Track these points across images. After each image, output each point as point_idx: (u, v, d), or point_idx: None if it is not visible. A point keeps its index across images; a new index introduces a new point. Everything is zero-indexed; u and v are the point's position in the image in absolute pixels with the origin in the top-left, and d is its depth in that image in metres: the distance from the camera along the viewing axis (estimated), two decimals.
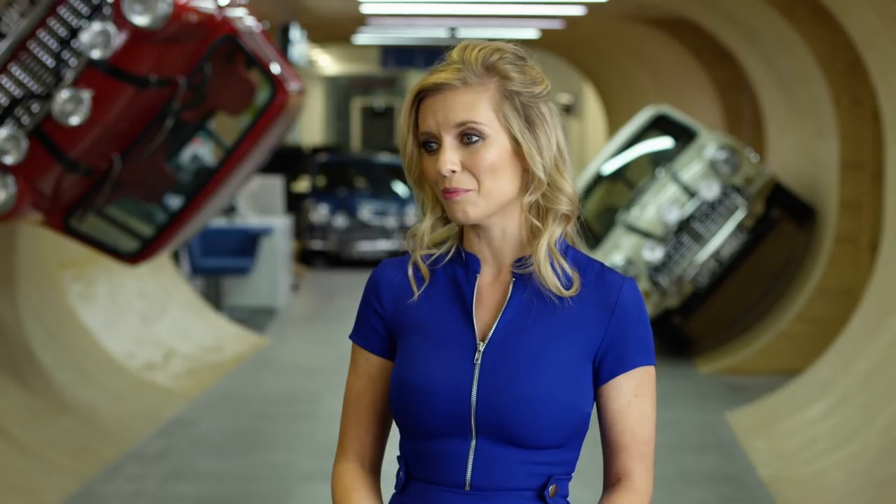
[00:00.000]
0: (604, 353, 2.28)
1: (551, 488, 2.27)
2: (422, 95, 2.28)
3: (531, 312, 2.28)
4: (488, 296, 2.31)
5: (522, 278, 2.29)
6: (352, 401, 2.37)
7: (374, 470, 2.38)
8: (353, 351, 2.39)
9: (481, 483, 2.25)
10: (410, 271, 2.33)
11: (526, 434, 2.23)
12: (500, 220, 2.29)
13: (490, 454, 2.25)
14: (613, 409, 2.29)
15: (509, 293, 2.29)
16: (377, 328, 2.35)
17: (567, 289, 2.28)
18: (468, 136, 2.25)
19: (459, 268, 2.32)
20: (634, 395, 2.29)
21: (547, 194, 2.28)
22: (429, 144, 2.27)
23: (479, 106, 2.25)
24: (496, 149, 2.25)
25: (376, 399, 2.36)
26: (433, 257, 2.33)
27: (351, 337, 2.39)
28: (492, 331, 2.27)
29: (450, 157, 2.24)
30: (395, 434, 2.39)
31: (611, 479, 2.33)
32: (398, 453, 2.35)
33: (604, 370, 2.28)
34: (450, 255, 2.33)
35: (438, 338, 2.29)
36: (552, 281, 2.27)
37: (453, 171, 2.24)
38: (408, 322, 2.32)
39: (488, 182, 2.25)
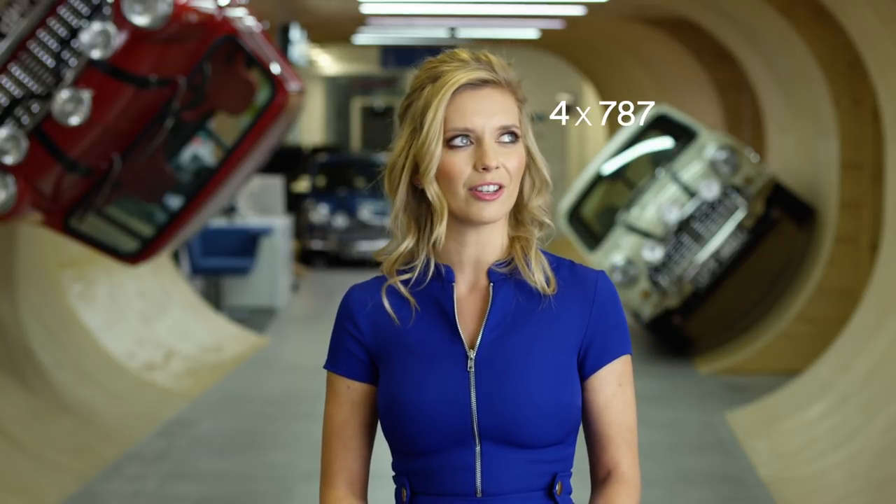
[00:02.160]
0: (587, 346, 2.31)
1: (558, 486, 2.30)
2: (454, 91, 2.27)
3: (515, 314, 2.30)
4: (469, 303, 2.32)
5: (500, 281, 2.32)
6: (335, 429, 2.35)
7: (363, 496, 2.37)
8: (332, 381, 2.36)
9: (492, 489, 2.27)
10: (386, 302, 2.32)
11: (528, 434, 2.25)
12: (491, 225, 2.31)
13: (496, 459, 2.26)
14: (600, 401, 2.32)
15: (491, 298, 2.30)
16: (357, 354, 2.34)
17: (547, 287, 2.31)
18: (507, 136, 2.28)
19: (434, 281, 2.32)
20: (618, 385, 2.33)
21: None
22: (459, 140, 2.27)
23: (515, 109, 2.31)
24: (522, 153, 2.31)
25: (361, 425, 2.35)
26: (411, 281, 2.32)
27: (327, 367, 2.37)
28: (479, 337, 2.28)
29: (496, 152, 2.26)
30: (377, 454, 2.39)
31: (600, 473, 2.35)
32: (392, 473, 2.35)
33: (588, 363, 2.32)
34: (430, 275, 2.32)
35: (427, 354, 2.29)
36: (540, 280, 2.30)
37: (497, 167, 2.26)
38: (391, 344, 2.31)
39: (514, 184, 2.29)
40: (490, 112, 2.27)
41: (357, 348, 2.34)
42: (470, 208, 2.27)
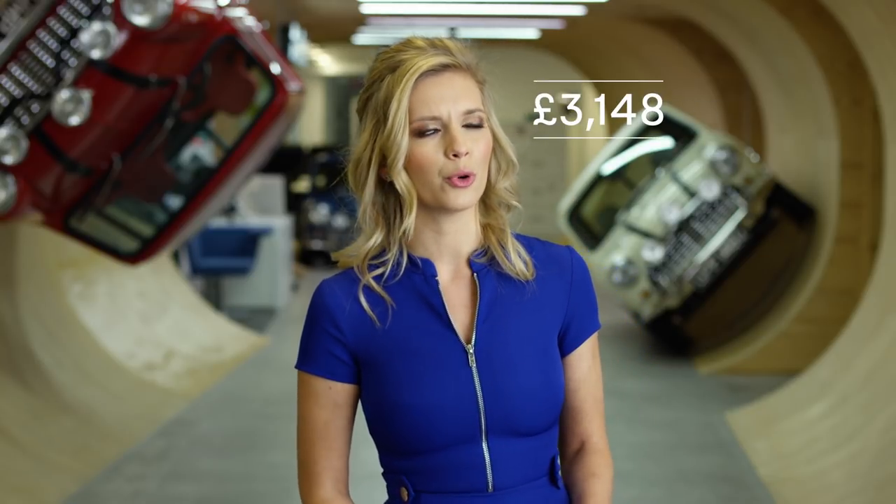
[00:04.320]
0: (567, 325, 2.32)
1: (559, 471, 2.31)
2: (416, 79, 2.24)
3: (502, 302, 2.28)
4: (454, 295, 2.28)
5: (483, 270, 2.29)
6: (317, 430, 2.29)
7: (348, 494, 2.34)
8: (309, 381, 2.30)
9: (503, 482, 2.25)
10: (364, 303, 2.26)
11: (531, 422, 2.25)
12: (465, 211, 2.28)
13: (504, 451, 2.25)
14: (577, 376, 2.34)
15: (478, 289, 2.28)
16: (339, 356, 2.28)
17: (526, 272, 2.30)
18: (474, 121, 2.25)
19: (415, 275, 2.28)
20: (592, 358, 2.35)
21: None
22: (425, 130, 2.23)
23: (477, 91, 2.27)
24: (489, 137, 2.28)
25: (343, 425, 2.31)
26: (384, 277, 2.27)
27: (304, 368, 2.30)
28: (474, 331, 2.26)
29: (465, 138, 2.23)
30: (356, 451, 2.37)
31: (573, 445, 2.36)
32: (382, 470, 2.32)
33: (567, 341, 2.33)
34: (402, 268, 2.28)
35: (422, 352, 2.25)
36: (521, 269, 2.29)
37: (467, 153, 2.23)
38: (379, 346, 2.26)
39: (482, 169, 2.26)
40: (454, 97, 2.23)
41: (339, 349, 2.28)
42: (445, 196, 2.23)
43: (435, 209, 2.26)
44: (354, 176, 2.29)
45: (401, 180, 2.24)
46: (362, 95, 2.29)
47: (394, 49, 2.27)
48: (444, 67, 2.24)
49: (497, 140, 2.29)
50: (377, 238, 2.28)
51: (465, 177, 2.23)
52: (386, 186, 2.27)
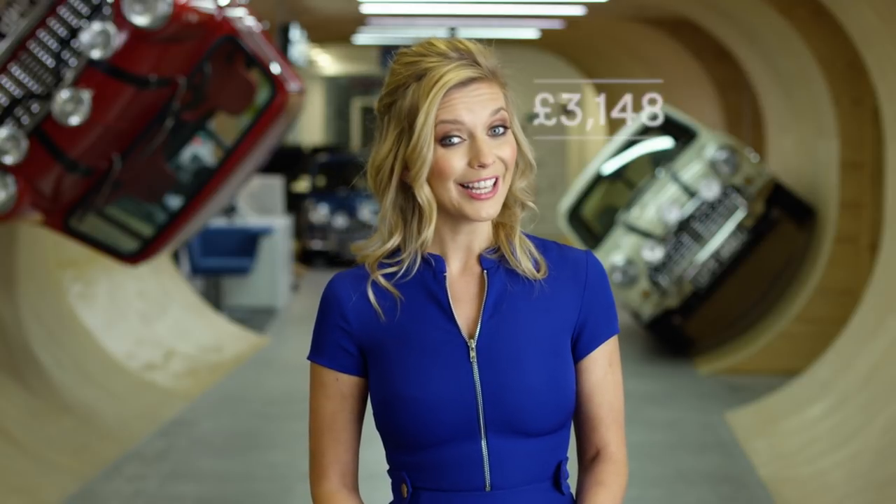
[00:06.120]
0: (580, 328, 2.30)
1: (564, 477, 2.29)
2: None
3: (510, 300, 2.28)
4: (462, 291, 2.29)
5: (493, 268, 2.29)
6: (325, 422, 2.31)
7: (355, 488, 2.34)
8: (319, 373, 2.32)
9: (501, 482, 2.24)
10: (372, 296, 2.28)
11: (532, 422, 2.23)
12: None
13: (504, 450, 2.24)
14: (592, 381, 2.31)
15: (486, 285, 2.28)
16: (346, 347, 2.30)
17: (537, 271, 2.29)
18: (497, 129, 2.25)
19: (425, 271, 2.29)
20: (609, 365, 2.32)
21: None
22: (450, 139, 2.23)
23: (501, 97, 2.27)
24: (513, 141, 2.28)
25: (351, 417, 2.32)
26: (397, 275, 2.29)
27: (314, 359, 2.32)
28: (478, 326, 2.26)
29: (490, 147, 2.23)
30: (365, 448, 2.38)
31: (589, 453, 2.34)
32: (387, 467, 2.32)
33: (581, 345, 2.31)
34: (417, 264, 2.28)
35: (425, 345, 2.26)
36: (528, 266, 2.29)
37: (493, 162, 2.24)
38: (383, 337, 2.27)
39: (509, 174, 2.27)
40: (480, 107, 2.23)
41: (346, 341, 2.29)
42: (464, 207, 2.23)
43: (454, 215, 2.27)
44: (375, 181, 2.29)
45: (423, 193, 2.25)
46: (384, 99, 2.27)
47: (416, 53, 2.25)
48: (475, 78, 2.24)
49: (518, 143, 2.29)
50: (395, 241, 2.29)
51: (492, 186, 2.23)
52: (406, 189, 2.28)
